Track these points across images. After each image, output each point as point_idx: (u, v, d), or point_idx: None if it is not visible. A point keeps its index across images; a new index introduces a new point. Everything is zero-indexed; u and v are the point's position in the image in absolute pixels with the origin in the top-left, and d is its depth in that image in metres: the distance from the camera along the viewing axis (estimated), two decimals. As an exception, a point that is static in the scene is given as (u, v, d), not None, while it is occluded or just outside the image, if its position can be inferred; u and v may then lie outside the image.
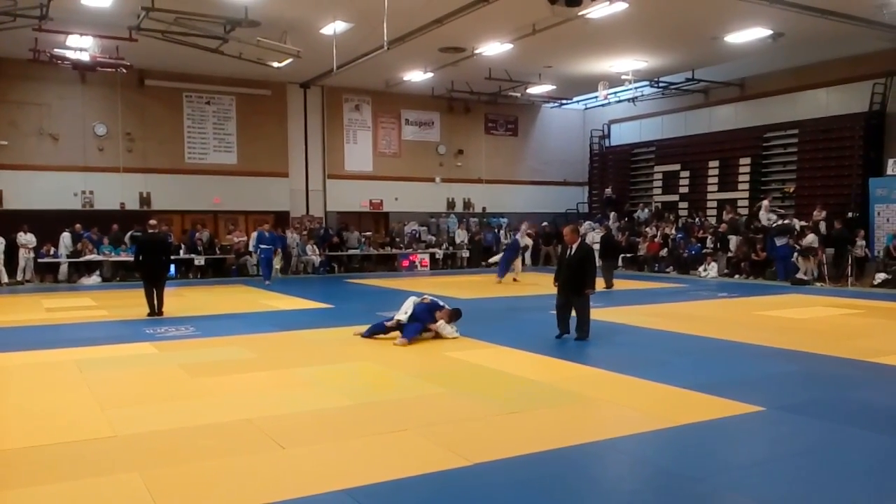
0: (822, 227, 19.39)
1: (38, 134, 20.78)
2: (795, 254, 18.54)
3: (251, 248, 20.71)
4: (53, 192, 20.77)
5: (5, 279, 18.93)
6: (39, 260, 19.63)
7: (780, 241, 18.94)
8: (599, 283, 17.48)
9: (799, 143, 21.97)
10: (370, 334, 10.10)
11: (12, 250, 19.26)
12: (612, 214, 26.05)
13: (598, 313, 12.63)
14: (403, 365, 8.35)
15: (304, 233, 23.34)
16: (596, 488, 4.69)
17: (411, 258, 24.36)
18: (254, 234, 22.21)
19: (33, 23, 15.46)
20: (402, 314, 10.02)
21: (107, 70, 18.59)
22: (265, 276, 19.24)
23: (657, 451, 5.37)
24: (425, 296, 10.41)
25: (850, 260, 17.79)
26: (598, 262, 19.82)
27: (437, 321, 10.04)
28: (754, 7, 15.45)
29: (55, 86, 20.77)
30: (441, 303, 10.34)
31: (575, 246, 9.82)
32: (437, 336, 10.02)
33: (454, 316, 10.26)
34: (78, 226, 20.28)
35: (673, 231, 23.21)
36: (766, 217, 20.41)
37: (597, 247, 24.53)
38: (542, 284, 16.35)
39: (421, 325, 9.88)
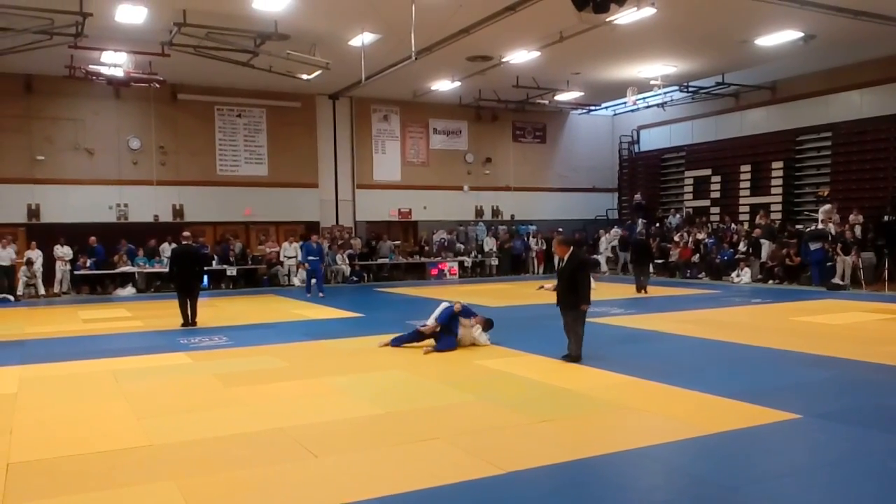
0: (858, 230, 19.06)
1: (73, 149, 21.19)
2: (831, 254, 18.23)
3: (300, 260, 20.25)
4: (89, 206, 21.16)
5: (42, 291, 19.30)
6: (75, 272, 19.99)
7: (814, 246, 18.66)
8: (623, 290, 17.98)
9: (833, 146, 21.66)
10: (401, 342, 10.11)
11: (49, 263, 19.67)
12: (640, 221, 25.89)
13: (629, 320, 12.61)
14: (433, 373, 8.37)
15: (340, 242, 23.41)
16: (629, 497, 4.65)
17: (440, 266, 24.38)
18: (285, 245, 22.48)
19: (69, 40, 15.82)
20: (433, 320, 10.06)
21: (140, 85, 18.91)
22: (309, 288, 18.60)
23: (691, 459, 5.32)
24: (457, 302, 10.42)
25: (886, 264, 17.47)
26: (603, 268, 19.68)
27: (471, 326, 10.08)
28: (785, 9, 15.26)
29: (90, 101, 21.18)
30: (472, 310, 10.37)
31: (566, 257, 9.14)
32: (472, 344, 10.04)
33: (487, 325, 10.27)
34: (92, 239, 20.32)
35: (705, 236, 22.97)
36: (823, 219, 19.65)
37: (609, 254, 24.86)
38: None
39: (455, 338, 9.89)
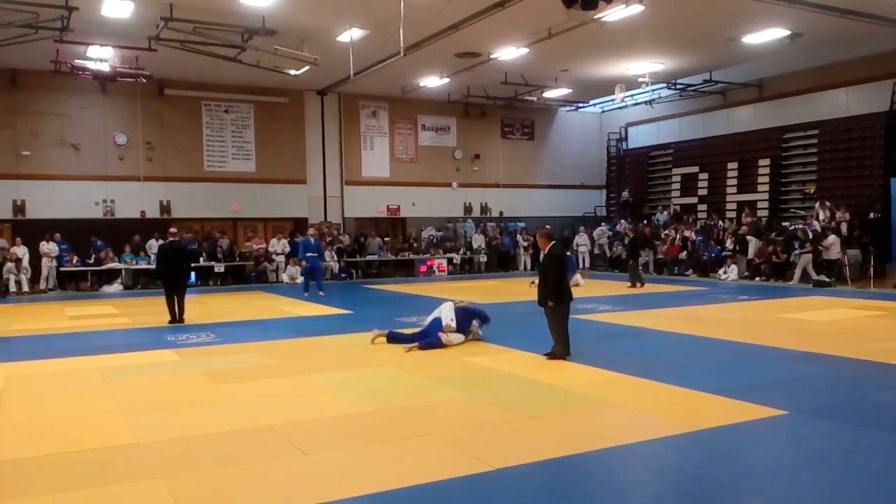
0: (844, 228, 19.19)
1: (59, 144, 21.03)
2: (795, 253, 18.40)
3: (299, 257, 19.23)
4: (75, 202, 21.02)
5: (26, 287, 19.08)
6: (62, 269, 19.85)
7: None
8: (611, 287, 18.09)
9: (819, 144, 21.78)
10: (426, 346, 9.73)
11: (35, 259, 19.50)
12: (622, 220, 25.89)
13: (617, 317, 12.65)
14: (423, 370, 8.36)
15: (329, 239, 23.30)
16: (617, 493, 4.67)
17: (429, 263, 24.39)
18: (273, 241, 22.42)
19: (54, 35, 15.68)
20: (450, 321, 10.00)
21: (127, 80, 18.82)
22: (307, 286, 17.63)
23: (679, 455, 5.34)
24: (461, 301, 10.45)
25: (871, 261, 17.60)
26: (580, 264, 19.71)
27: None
28: (772, 7, 15.33)
29: (76, 96, 21.04)
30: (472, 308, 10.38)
31: (546, 251, 9.08)
32: (473, 339, 10.14)
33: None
34: (57, 235, 19.91)
35: (692, 234, 23.07)
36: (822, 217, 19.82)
37: (583, 249, 24.88)
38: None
39: (436, 339, 9.90)
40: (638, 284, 18.18)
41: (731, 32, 17.85)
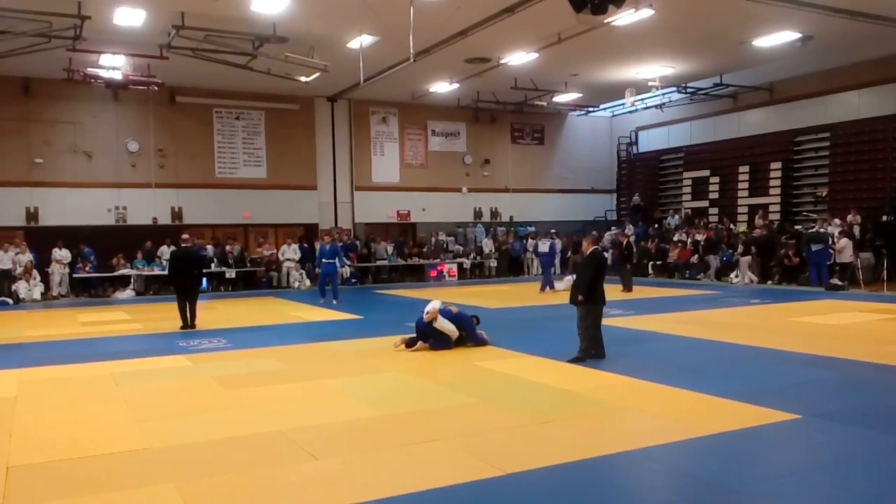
0: (857, 231, 19.06)
1: (72, 152, 21.17)
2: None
3: (314, 264, 18.55)
4: (87, 209, 21.14)
5: (35, 296, 19.13)
6: (74, 275, 19.97)
7: (815, 247, 18.64)
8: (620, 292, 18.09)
9: (831, 147, 21.67)
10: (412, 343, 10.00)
11: (48, 265, 19.63)
12: (628, 223, 25.80)
13: (628, 321, 12.60)
14: (433, 375, 8.37)
15: (339, 245, 23.17)
16: (629, 498, 4.66)
17: (439, 268, 24.39)
18: (284, 247, 22.44)
19: (67, 43, 15.81)
20: (432, 310, 9.96)
21: (139, 88, 18.91)
22: (323, 292, 17.16)
23: (691, 460, 5.32)
24: (450, 305, 10.42)
25: (885, 264, 17.48)
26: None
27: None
28: (782, 10, 15.28)
29: (88, 104, 21.17)
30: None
31: (586, 253, 9.53)
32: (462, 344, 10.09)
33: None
34: (60, 243, 19.87)
35: (703, 237, 22.95)
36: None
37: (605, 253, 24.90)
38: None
39: (450, 337, 9.88)
40: (626, 289, 18.35)
41: (741, 35, 17.80)
